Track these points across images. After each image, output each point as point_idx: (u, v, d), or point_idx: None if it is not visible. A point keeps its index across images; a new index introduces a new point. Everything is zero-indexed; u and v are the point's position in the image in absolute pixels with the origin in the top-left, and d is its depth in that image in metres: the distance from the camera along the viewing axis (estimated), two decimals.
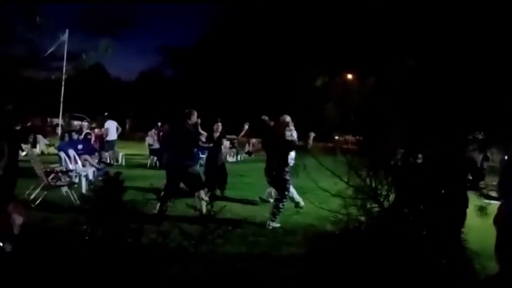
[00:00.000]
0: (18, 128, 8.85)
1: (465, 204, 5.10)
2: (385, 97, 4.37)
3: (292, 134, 7.98)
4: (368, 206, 4.12)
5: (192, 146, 8.04)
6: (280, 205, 7.25)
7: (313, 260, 4.22)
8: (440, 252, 3.72)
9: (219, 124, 9.88)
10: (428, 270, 3.66)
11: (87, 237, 3.60)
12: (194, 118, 7.88)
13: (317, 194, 7.05)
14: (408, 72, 4.22)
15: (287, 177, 7.34)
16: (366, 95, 4.46)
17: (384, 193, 4.11)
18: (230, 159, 20.26)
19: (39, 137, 18.30)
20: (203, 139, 9.08)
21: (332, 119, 4.58)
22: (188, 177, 7.53)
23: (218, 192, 9.52)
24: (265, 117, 8.75)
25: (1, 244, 4.57)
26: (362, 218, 4.11)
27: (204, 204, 6.76)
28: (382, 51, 4.60)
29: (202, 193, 7.47)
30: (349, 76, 5.26)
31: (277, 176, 7.38)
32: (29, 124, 15.94)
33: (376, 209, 4.12)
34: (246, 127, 9.92)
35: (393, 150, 4.27)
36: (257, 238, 6.41)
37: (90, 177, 9.91)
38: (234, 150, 21.15)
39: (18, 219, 4.92)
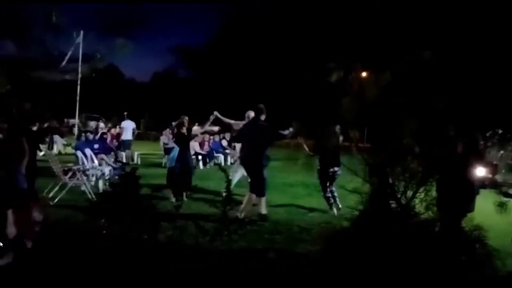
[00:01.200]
0: (36, 128, 9.02)
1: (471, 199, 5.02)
2: (402, 92, 4.33)
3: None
4: (385, 202, 4.09)
5: (269, 144, 7.77)
6: None
7: (329, 257, 4.20)
8: (459, 248, 3.67)
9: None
10: (447, 266, 3.62)
11: (104, 232, 3.65)
12: (264, 115, 7.73)
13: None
14: (425, 66, 4.17)
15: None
16: (382, 90, 4.42)
17: (401, 189, 4.08)
18: None
19: (56, 137, 18.51)
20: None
21: (348, 115, 4.56)
22: (258, 177, 7.45)
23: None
24: (216, 113, 8.93)
25: (23, 241, 4.65)
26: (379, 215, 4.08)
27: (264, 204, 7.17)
28: (401, 45, 4.56)
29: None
30: (364, 71, 5.22)
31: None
32: (46, 124, 16.20)
33: (394, 205, 4.09)
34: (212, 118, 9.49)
35: (409, 146, 4.24)
36: (273, 236, 6.41)
37: (107, 175, 10.01)
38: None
39: (39, 217, 5.00)
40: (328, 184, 8.12)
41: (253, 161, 7.47)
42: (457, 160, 4.59)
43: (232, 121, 9.16)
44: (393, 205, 4.07)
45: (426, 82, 4.21)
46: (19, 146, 6.82)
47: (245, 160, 7.67)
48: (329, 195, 8.12)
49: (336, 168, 7.96)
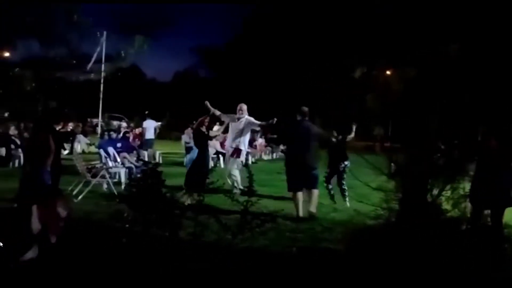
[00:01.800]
0: (61, 127, 9.18)
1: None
2: (428, 87, 4.23)
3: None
4: (410, 200, 3.99)
5: (317, 144, 8.01)
6: None
7: (354, 255, 4.13)
8: (488, 246, 3.56)
9: None
10: (475, 266, 3.51)
11: (127, 226, 3.66)
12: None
13: (355, 189, 6.96)
14: (453, 60, 4.06)
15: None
16: (408, 86, 4.33)
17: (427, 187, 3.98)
18: (265, 157, 20.30)
19: (80, 136, 18.88)
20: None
21: (373, 112, 4.49)
22: (315, 172, 7.79)
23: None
24: (207, 103, 9.31)
25: (47, 236, 4.71)
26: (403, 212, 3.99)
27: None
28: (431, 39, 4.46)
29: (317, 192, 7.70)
30: (389, 67, 5.13)
31: None
32: (70, 124, 16.53)
33: (419, 203, 3.99)
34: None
35: (435, 143, 4.13)
36: (295, 234, 6.35)
37: (128, 173, 10.12)
38: (269, 148, 21.12)
39: (62, 213, 5.07)
40: (339, 179, 8.70)
41: (309, 158, 7.69)
42: (492, 154, 4.48)
43: (219, 113, 9.49)
44: (419, 203, 3.97)
45: (454, 75, 4.10)
46: (45, 144, 6.95)
47: (300, 158, 7.77)
48: (340, 188, 8.70)
49: (346, 162, 8.60)
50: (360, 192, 7.93)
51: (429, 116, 4.23)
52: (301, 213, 7.36)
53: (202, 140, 8.60)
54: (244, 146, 9.32)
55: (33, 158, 7.16)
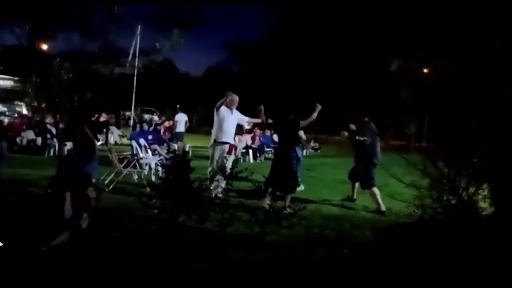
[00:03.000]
0: (95, 119, 9.38)
1: None
2: (467, 83, 4.06)
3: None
4: (445, 198, 3.85)
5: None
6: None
7: (384, 252, 4.03)
8: None
9: None
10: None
11: (156, 212, 3.70)
12: None
13: (388, 187, 6.82)
14: (494, 55, 3.88)
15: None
16: (446, 82, 4.18)
17: (463, 185, 3.83)
18: None
19: (113, 128, 19.34)
20: None
21: (408, 108, 4.35)
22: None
23: None
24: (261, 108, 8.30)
25: (78, 222, 4.81)
26: (438, 211, 3.86)
27: None
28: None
29: None
30: (427, 63, 4.96)
31: None
32: (104, 115, 16.92)
33: (454, 201, 3.85)
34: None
35: (475, 138, 3.97)
36: (322, 230, 6.27)
37: (159, 165, 10.25)
38: (300, 145, 20.99)
39: (94, 201, 5.18)
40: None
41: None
42: None
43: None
44: (454, 201, 3.83)
45: (494, 72, 3.92)
46: (80, 134, 7.13)
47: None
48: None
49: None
50: (393, 190, 7.78)
51: (469, 113, 4.07)
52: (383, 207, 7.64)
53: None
54: (236, 142, 8.89)
55: (75, 149, 7.36)
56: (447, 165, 3.85)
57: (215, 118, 8.22)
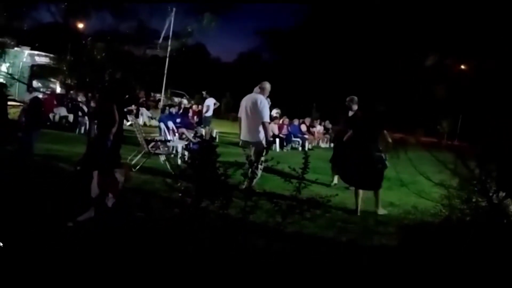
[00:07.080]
0: (125, 99, 9.49)
1: None
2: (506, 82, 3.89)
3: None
4: (474, 199, 3.72)
5: None
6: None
7: (405, 253, 3.95)
8: None
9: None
10: None
11: (180, 195, 3.72)
12: None
13: (416, 184, 6.67)
14: None
15: None
16: (479, 81, 4.02)
17: (494, 187, 3.69)
18: (322, 144, 20.06)
19: (143, 109, 19.59)
20: None
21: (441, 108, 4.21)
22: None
23: None
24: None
25: (104, 200, 4.91)
26: (466, 212, 3.74)
27: None
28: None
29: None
30: (461, 60, 4.79)
31: None
32: (135, 96, 17.14)
33: (483, 204, 3.71)
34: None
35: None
36: (346, 224, 6.20)
37: (185, 148, 10.35)
38: (327, 136, 20.81)
39: (120, 180, 5.26)
40: None
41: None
42: None
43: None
44: (483, 204, 3.70)
45: None
46: (109, 114, 7.24)
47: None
48: None
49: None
50: (420, 188, 7.60)
51: (504, 114, 3.91)
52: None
53: None
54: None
55: (98, 126, 7.50)
56: (478, 166, 3.71)
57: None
